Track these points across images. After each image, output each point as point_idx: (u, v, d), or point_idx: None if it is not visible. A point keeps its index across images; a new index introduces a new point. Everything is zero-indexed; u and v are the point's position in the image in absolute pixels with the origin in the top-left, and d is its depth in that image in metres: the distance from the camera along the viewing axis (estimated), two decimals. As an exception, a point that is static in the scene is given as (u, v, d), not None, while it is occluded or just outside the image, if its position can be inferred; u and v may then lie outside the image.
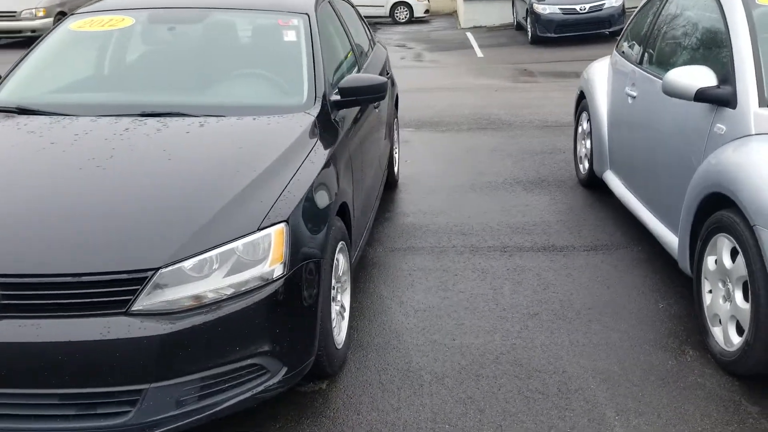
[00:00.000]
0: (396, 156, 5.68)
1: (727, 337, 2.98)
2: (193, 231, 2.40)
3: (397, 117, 5.77)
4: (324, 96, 3.37)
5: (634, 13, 5.02)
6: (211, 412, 2.38)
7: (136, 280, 2.28)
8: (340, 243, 3.02)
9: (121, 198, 2.57)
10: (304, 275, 2.59)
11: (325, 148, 3.10)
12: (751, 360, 2.82)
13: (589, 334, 3.35)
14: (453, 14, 21.73)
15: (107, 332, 2.23)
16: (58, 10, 15.20)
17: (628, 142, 4.47)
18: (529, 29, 14.77)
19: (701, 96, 3.28)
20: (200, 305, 2.34)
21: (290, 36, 3.65)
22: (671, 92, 3.38)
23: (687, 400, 2.85)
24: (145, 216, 2.48)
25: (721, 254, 3.02)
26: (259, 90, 3.53)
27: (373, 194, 4.20)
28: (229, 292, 2.38)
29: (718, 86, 3.26)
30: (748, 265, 2.79)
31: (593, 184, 5.25)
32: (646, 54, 4.40)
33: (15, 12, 14.93)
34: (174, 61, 3.72)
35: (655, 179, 3.96)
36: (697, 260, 3.24)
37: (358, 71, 4.28)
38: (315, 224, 2.73)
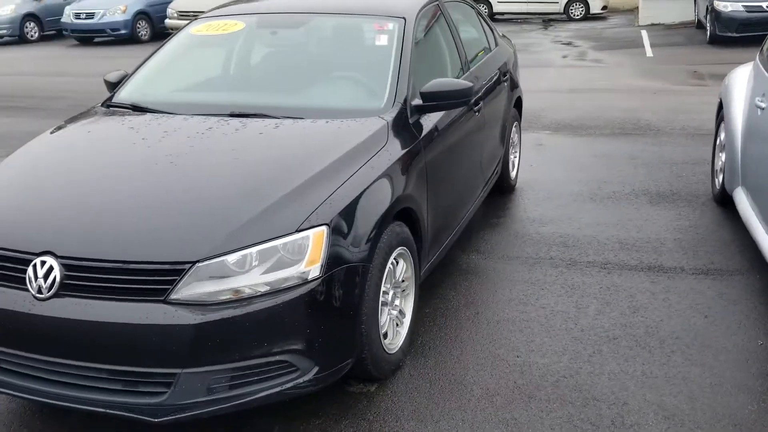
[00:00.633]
0: (515, 161, 5.54)
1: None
2: (233, 229, 2.52)
3: (519, 120, 5.61)
4: (405, 101, 3.37)
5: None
6: (240, 402, 2.50)
7: (175, 271, 2.44)
8: (400, 249, 3.02)
9: (179, 193, 2.76)
10: (344, 278, 2.63)
11: (392, 152, 3.11)
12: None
13: (667, 367, 3.09)
14: (633, 11, 20.59)
15: (146, 317, 2.41)
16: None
17: (757, 157, 4.04)
18: (708, 28, 13.64)
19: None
20: (236, 299, 2.46)
21: (382, 40, 3.68)
22: None
23: (757, 452, 2.56)
24: (195, 211, 2.64)
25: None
26: (343, 93, 3.60)
27: (467, 200, 4.14)
28: (264, 289, 2.48)
29: None
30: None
31: (727, 201, 4.77)
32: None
33: (201, 12, 16.19)
34: (271, 64, 3.90)
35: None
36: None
37: (463, 74, 4.23)
38: (363, 229, 2.75)
